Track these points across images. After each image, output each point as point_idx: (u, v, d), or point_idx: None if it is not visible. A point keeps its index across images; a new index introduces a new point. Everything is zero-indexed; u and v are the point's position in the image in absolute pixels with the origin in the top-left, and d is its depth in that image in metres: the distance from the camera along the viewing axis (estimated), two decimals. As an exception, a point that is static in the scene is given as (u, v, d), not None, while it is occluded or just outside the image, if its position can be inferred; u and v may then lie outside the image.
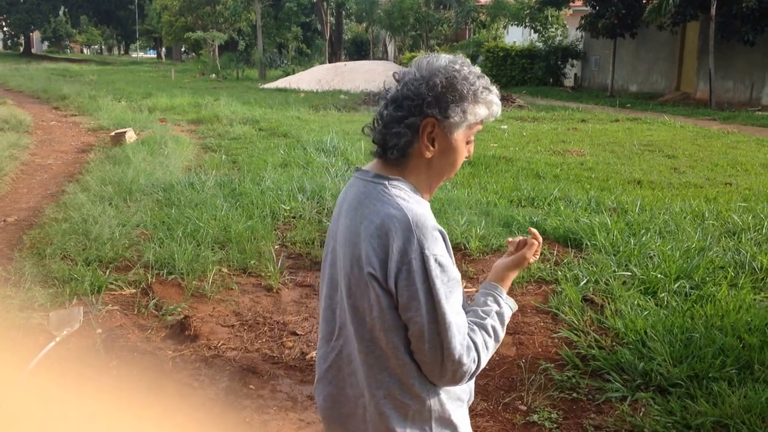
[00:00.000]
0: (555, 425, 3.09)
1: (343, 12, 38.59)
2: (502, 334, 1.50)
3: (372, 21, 37.31)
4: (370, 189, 1.44)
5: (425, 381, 1.43)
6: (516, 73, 28.62)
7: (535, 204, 7.01)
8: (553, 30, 28.69)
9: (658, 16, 19.09)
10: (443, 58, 1.45)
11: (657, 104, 20.28)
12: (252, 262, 5.17)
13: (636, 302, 4.22)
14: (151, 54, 75.13)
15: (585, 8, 24.32)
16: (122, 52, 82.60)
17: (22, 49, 60.98)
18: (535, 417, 3.14)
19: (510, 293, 1.61)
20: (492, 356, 1.60)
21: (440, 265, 1.36)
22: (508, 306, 1.55)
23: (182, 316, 4.21)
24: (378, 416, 1.45)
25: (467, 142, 1.49)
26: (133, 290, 4.65)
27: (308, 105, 18.05)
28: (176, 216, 6.08)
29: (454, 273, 1.40)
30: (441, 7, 33.59)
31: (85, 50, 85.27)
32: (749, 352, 3.50)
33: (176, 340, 3.97)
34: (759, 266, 4.86)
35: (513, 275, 1.61)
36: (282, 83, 26.76)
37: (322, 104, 18.29)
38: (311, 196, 7.04)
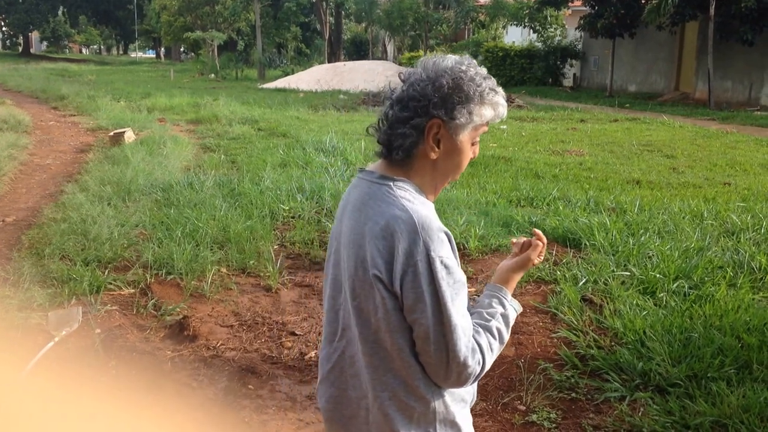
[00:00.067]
0: (554, 425, 3.09)
1: (343, 12, 38.59)
2: (506, 336, 1.50)
3: (371, 21, 37.30)
4: (375, 190, 1.44)
5: (430, 382, 1.43)
6: (515, 73, 28.65)
7: (534, 204, 7.01)
8: (552, 30, 28.71)
9: (657, 16, 19.10)
10: (449, 59, 1.44)
11: (656, 104, 20.30)
12: (251, 262, 5.16)
13: (635, 302, 4.23)
14: (150, 54, 75.11)
15: (584, 8, 24.33)
16: (121, 52, 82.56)
17: (20, 49, 60.95)
18: (534, 417, 3.15)
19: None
20: (491, 357, 1.60)
21: (446, 267, 1.36)
22: (513, 308, 1.55)
23: (181, 316, 4.21)
24: (382, 418, 1.44)
25: (472, 144, 1.48)
26: (132, 290, 4.64)
27: (307, 105, 18.05)
28: (175, 216, 6.08)
29: (460, 275, 1.40)
30: (440, 7, 33.58)
31: (83, 50, 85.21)
32: (748, 352, 3.51)
33: (175, 340, 3.97)
34: (758, 266, 4.87)
35: (518, 277, 1.60)
36: (281, 83, 26.75)
37: (322, 104, 18.29)
38: (310, 196, 7.04)
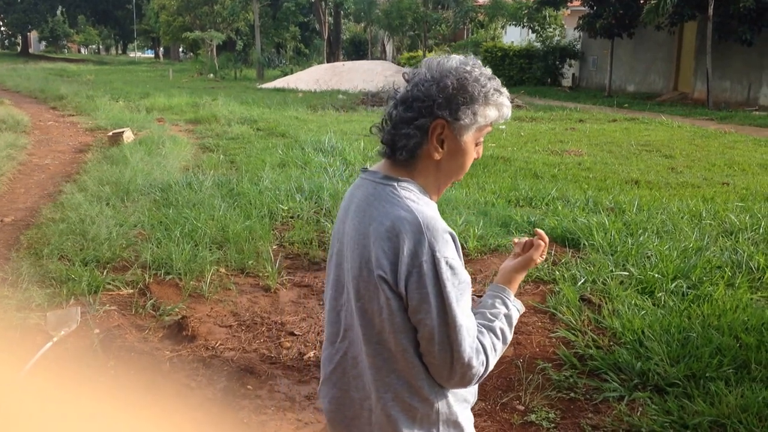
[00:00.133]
0: (553, 425, 3.09)
1: (342, 12, 38.56)
2: (510, 337, 1.51)
3: (370, 21, 37.24)
4: (379, 190, 1.43)
5: (434, 383, 1.43)
6: (514, 73, 28.64)
7: (533, 204, 7.01)
8: (551, 30, 28.70)
9: (655, 17, 19.11)
10: (454, 59, 1.44)
11: (654, 104, 20.31)
12: (250, 262, 5.16)
13: (633, 302, 4.23)
14: (149, 54, 75.04)
15: (583, 8, 24.33)
16: (120, 51, 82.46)
17: (19, 48, 60.91)
18: (532, 417, 3.15)
19: (508, 293, 1.61)
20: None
21: (451, 267, 1.36)
22: (516, 308, 1.56)
23: (180, 317, 4.21)
24: (385, 419, 1.44)
25: (476, 144, 1.48)
26: (131, 290, 4.64)
27: (306, 105, 18.04)
28: (174, 216, 6.08)
29: (465, 276, 1.40)
30: (439, 7, 33.56)
31: (82, 50, 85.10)
32: (746, 352, 3.51)
33: (174, 340, 3.97)
34: (756, 266, 4.87)
35: (520, 277, 1.61)
36: (280, 83, 26.73)
37: (320, 104, 18.28)
38: (309, 196, 7.03)
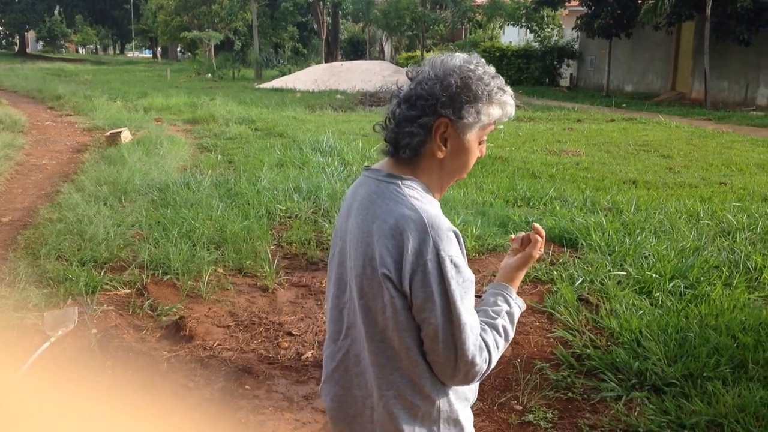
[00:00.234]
0: (550, 425, 3.10)
1: (340, 12, 38.54)
2: (512, 334, 1.52)
3: (368, 21, 37.24)
4: (383, 188, 1.43)
5: (436, 381, 1.43)
6: (512, 73, 28.64)
7: (531, 204, 7.02)
8: (549, 30, 28.73)
9: (653, 17, 19.14)
10: (458, 57, 1.43)
11: (652, 104, 20.33)
12: (248, 262, 5.16)
13: (631, 302, 4.23)
14: (147, 54, 74.90)
15: (581, 8, 24.34)
16: (118, 51, 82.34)
17: (16, 48, 60.82)
18: (530, 417, 3.15)
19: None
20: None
21: (455, 266, 1.36)
22: (518, 306, 1.56)
23: (177, 317, 4.21)
24: (387, 417, 1.44)
25: (479, 143, 1.48)
26: (128, 290, 4.64)
27: (304, 105, 18.03)
28: (172, 216, 6.07)
29: (469, 274, 1.40)
30: (437, 7, 33.57)
31: (80, 50, 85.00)
32: (743, 352, 3.52)
33: (171, 340, 3.96)
34: (753, 266, 4.88)
35: (521, 274, 1.61)
36: (278, 83, 26.72)
37: (319, 104, 18.28)
38: (307, 196, 7.03)
